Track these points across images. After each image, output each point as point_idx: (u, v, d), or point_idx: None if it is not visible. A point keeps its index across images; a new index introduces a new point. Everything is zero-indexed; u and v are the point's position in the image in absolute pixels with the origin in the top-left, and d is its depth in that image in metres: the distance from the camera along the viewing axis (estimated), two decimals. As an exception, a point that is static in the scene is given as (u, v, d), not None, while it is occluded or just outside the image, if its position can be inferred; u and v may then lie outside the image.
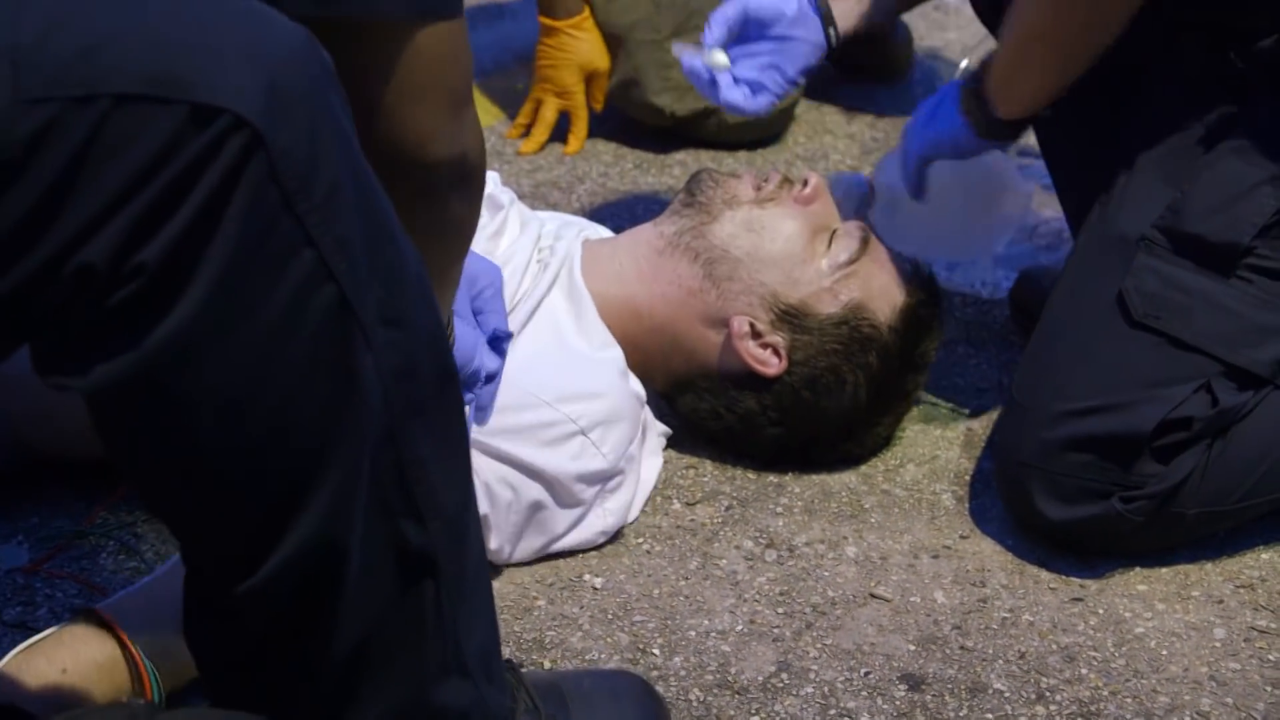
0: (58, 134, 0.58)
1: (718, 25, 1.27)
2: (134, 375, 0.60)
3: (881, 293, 1.19)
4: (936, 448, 1.27)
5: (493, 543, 1.07)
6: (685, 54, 1.28)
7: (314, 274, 0.62)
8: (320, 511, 0.66)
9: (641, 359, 1.20)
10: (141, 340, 0.60)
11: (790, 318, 1.17)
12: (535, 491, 1.07)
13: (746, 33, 1.27)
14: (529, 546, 1.10)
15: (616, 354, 1.16)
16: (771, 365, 1.17)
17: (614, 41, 1.73)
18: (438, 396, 0.71)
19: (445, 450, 0.71)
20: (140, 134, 0.58)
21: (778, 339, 1.17)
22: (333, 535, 0.67)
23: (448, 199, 0.78)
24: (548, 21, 1.74)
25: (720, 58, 1.26)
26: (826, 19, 1.27)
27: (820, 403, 1.18)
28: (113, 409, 0.64)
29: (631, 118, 1.81)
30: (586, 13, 1.73)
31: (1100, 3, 1.09)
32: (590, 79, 1.76)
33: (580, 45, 1.73)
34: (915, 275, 1.22)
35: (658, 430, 1.22)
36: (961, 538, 1.16)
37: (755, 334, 1.18)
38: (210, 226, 0.59)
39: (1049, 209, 1.47)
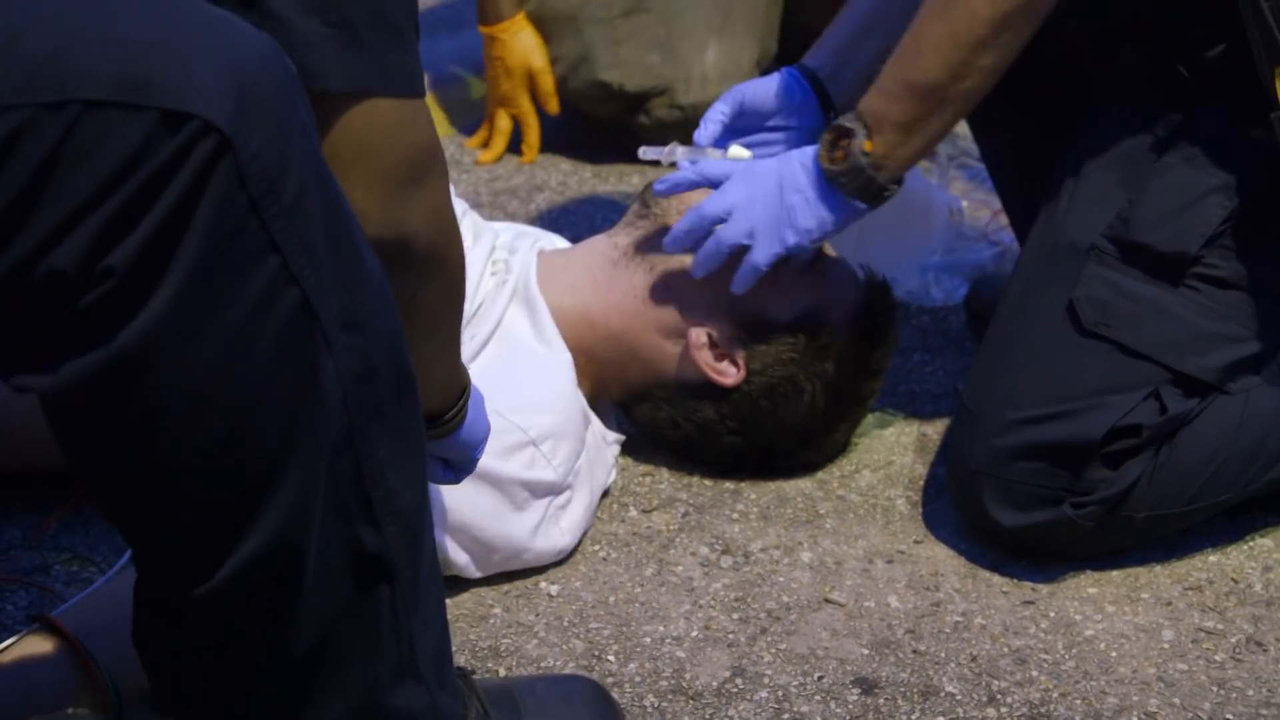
0: (27, 139, 0.59)
1: (713, 123, 1.22)
2: (99, 375, 0.62)
3: (837, 300, 1.22)
4: (891, 453, 1.30)
5: (457, 558, 1.09)
6: (679, 157, 1.21)
7: (278, 278, 0.64)
8: (278, 514, 0.67)
9: (598, 369, 1.22)
10: (108, 341, 0.61)
11: (747, 328, 1.20)
12: (489, 501, 1.09)
13: (743, 125, 1.24)
14: (487, 563, 1.11)
15: (566, 359, 1.18)
16: (729, 375, 1.20)
17: (566, 24, 1.76)
18: (396, 401, 0.72)
19: (403, 454, 0.73)
20: (110, 139, 0.59)
21: (734, 349, 1.20)
22: (290, 538, 0.68)
23: (390, 279, 0.75)
24: (483, 30, 1.76)
25: (740, 151, 1.21)
26: (825, 104, 1.24)
27: (778, 411, 1.21)
28: (74, 410, 0.65)
29: (581, 112, 1.82)
30: (520, 16, 1.75)
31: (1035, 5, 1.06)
32: (532, 80, 1.76)
33: (516, 47, 1.74)
34: (870, 282, 1.25)
35: (612, 438, 1.25)
36: (915, 543, 1.19)
37: (712, 344, 1.20)
38: (179, 230, 0.61)
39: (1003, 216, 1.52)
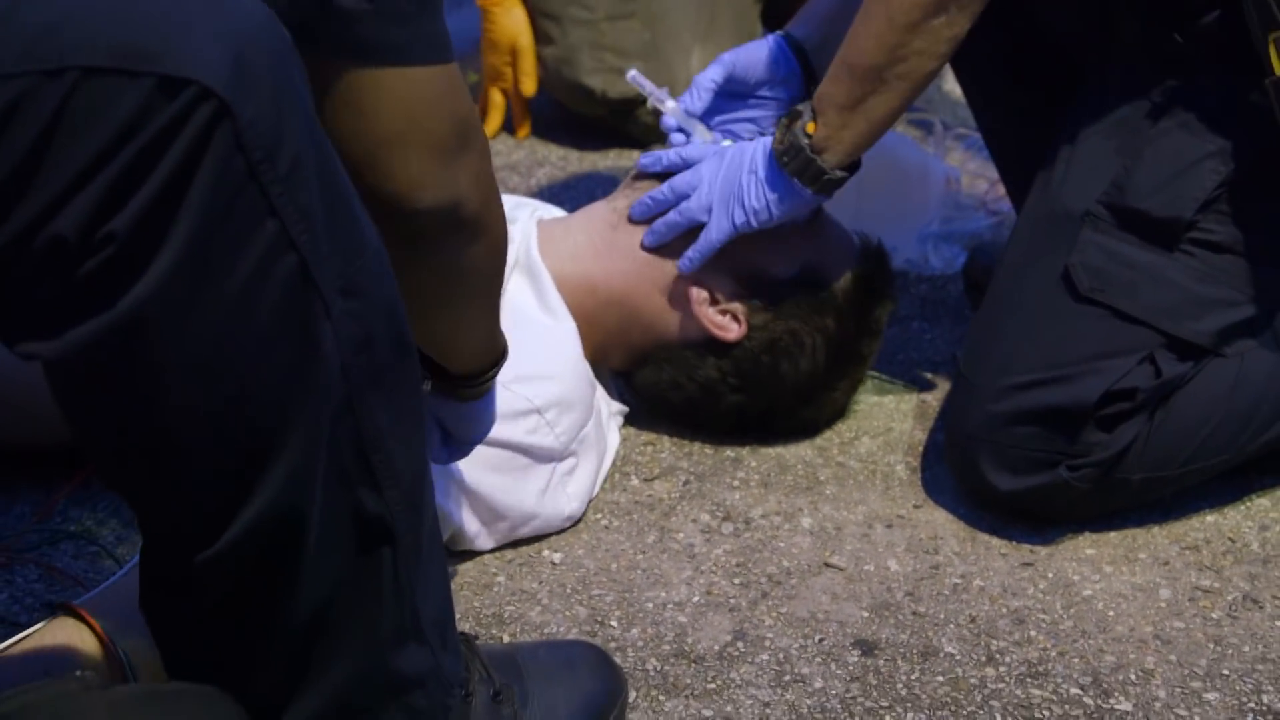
0: (27, 108, 0.59)
1: (704, 90, 1.23)
2: (102, 342, 0.62)
3: (835, 258, 1.23)
4: (891, 420, 1.31)
5: (469, 527, 1.09)
6: (666, 110, 1.24)
7: (277, 243, 0.64)
8: (280, 480, 0.68)
9: (600, 336, 1.22)
10: (110, 307, 0.62)
11: (748, 284, 1.21)
12: (494, 468, 1.09)
13: (733, 89, 1.25)
14: (497, 531, 1.11)
15: (571, 328, 1.19)
16: (731, 330, 1.20)
17: (551, 23, 1.76)
18: (395, 367, 0.73)
19: (402, 420, 0.74)
20: (109, 106, 0.60)
21: (736, 305, 1.21)
22: (292, 503, 0.69)
23: (441, 245, 0.79)
24: (480, 3, 1.77)
25: (705, 133, 1.23)
26: (809, 76, 1.25)
27: (779, 367, 1.21)
28: (78, 377, 0.65)
29: (565, 106, 1.83)
30: None
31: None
32: (515, 57, 1.76)
33: (506, 23, 1.74)
34: (866, 244, 1.25)
35: (614, 409, 1.25)
36: (915, 507, 1.20)
37: (713, 301, 1.21)
38: (178, 195, 0.61)
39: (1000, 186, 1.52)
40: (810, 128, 1.13)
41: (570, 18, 1.73)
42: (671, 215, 1.20)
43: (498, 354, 0.94)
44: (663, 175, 1.23)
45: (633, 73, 1.28)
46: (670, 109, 1.25)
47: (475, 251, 0.82)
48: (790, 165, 1.14)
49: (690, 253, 1.20)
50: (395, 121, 0.74)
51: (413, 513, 0.76)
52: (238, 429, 0.67)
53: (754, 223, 1.17)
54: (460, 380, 0.93)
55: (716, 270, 1.20)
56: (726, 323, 1.20)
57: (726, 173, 1.18)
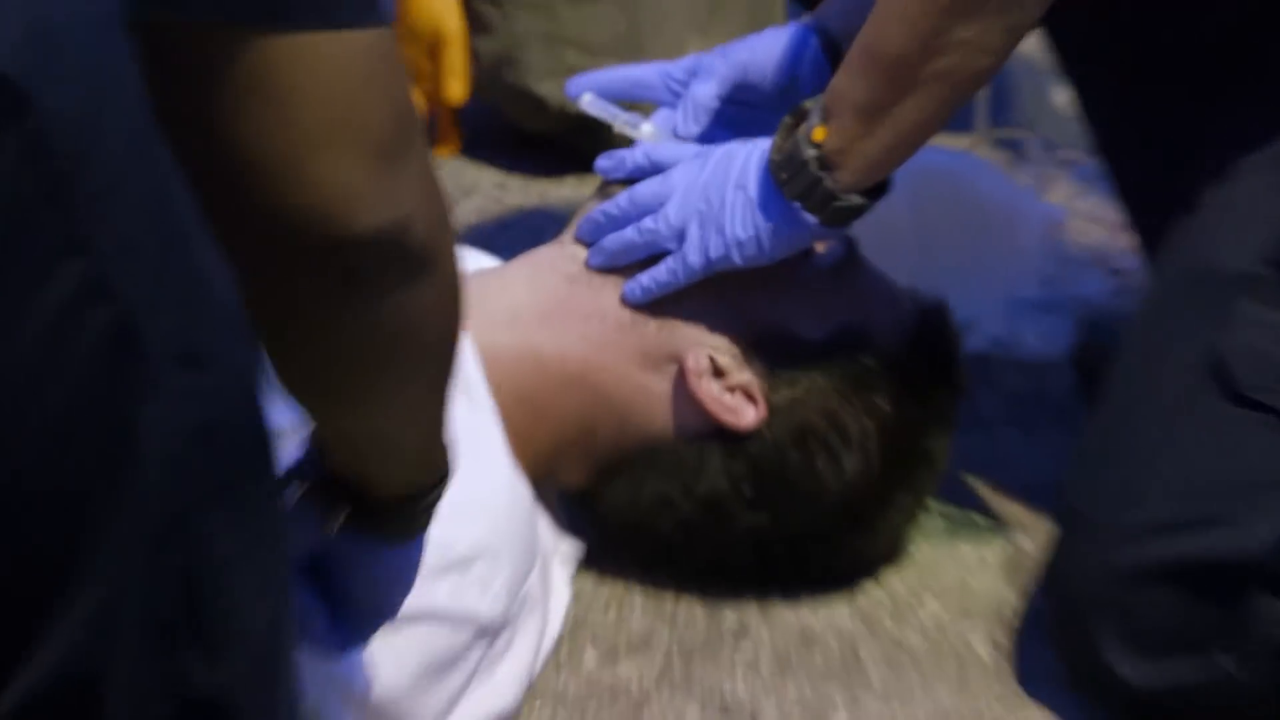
0: None
1: (702, 111, 1.26)
2: None
3: (881, 317, 1.24)
4: (967, 574, 1.31)
5: None
6: (644, 136, 1.27)
7: (84, 289, 0.64)
8: (69, 633, 0.67)
9: (550, 436, 1.22)
10: None
11: (765, 348, 1.21)
12: (399, 654, 1.06)
13: (742, 98, 1.28)
14: None
15: (497, 431, 1.18)
16: (745, 414, 1.20)
17: (488, 8, 1.79)
18: (248, 471, 0.72)
19: (255, 549, 0.73)
20: None
21: (749, 377, 1.20)
22: (82, 672, 0.68)
23: (379, 288, 0.79)
24: None
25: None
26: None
27: (815, 467, 1.20)
28: None
29: (506, 120, 1.85)
30: None
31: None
32: (435, 50, 1.79)
33: (426, 5, 1.79)
34: (917, 299, 1.26)
35: (563, 549, 1.25)
36: (1002, 704, 1.19)
37: (718, 372, 1.21)
38: None
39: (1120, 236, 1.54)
40: (819, 134, 1.14)
41: (517, 0, 1.76)
42: (629, 232, 1.21)
43: (446, 466, 0.95)
44: (628, 184, 1.25)
45: (588, 97, 1.30)
46: (648, 134, 1.28)
47: (423, 298, 0.83)
48: (790, 184, 1.15)
49: (644, 278, 1.21)
50: (324, 107, 0.75)
51: (262, 688, 0.75)
52: (10, 557, 0.66)
53: (736, 258, 1.18)
54: (391, 506, 0.93)
55: (721, 329, 1.21)
56: (737, 404, 1.20)
57: (707, 183, 1.19)
